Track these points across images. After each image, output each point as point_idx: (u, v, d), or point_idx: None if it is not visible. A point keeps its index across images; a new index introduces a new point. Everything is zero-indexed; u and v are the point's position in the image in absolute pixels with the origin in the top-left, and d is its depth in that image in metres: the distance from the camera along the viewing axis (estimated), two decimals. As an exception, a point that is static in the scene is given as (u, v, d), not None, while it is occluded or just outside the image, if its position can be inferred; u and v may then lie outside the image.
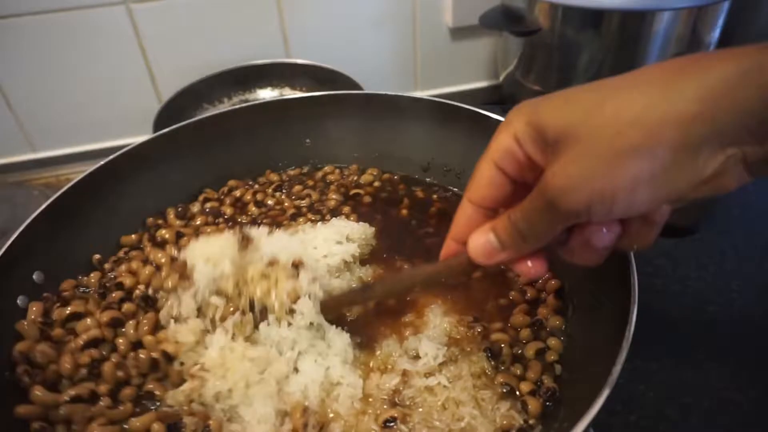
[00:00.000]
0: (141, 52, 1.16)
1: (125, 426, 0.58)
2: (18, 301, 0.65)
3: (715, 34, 1.00)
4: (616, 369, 0.47)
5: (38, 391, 0.57)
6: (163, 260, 0.72)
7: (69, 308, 0.66)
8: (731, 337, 0.76)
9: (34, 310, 0.65)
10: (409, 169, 0.90)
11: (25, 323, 0.64)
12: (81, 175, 0.74)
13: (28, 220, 0.67)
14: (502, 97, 1.28)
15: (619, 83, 0.39)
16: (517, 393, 0.59)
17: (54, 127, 1.21)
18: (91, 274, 0.73)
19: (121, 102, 1.20)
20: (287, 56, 1.24)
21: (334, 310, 0.64)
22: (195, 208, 0.84)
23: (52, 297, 0.68)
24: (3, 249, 0.63)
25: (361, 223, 0.79)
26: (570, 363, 0.62)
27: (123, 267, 0.73)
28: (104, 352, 0.63)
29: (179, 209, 0.83)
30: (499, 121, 0.78)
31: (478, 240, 0.47)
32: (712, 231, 0.89)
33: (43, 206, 0.69)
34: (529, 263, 0.47)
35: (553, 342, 0.63)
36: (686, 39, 0.97)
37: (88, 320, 0.65)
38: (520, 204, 0.43)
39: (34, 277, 0.68)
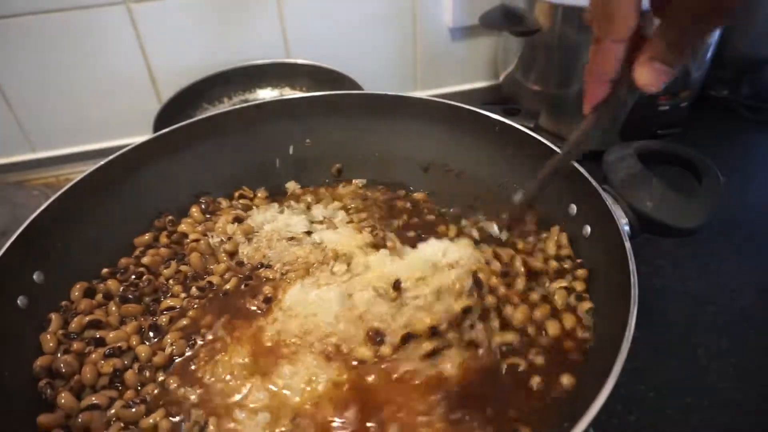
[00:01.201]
0: (141, 52, 1.16)
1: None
2: (18, 301, 0.65)
3: (715, 34, 1.00)
4: (616, 369, 0.47)
5: (64, 398, 0.59)
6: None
7: (88, 317, 0.67)
8: (731, 337, 0.76)
9: (54, 323, 0.66)
10: (409, 169, 0.90)
11: (48, 336, 0.65)
12: (81, 175, 0.74)
13: (28, 220, 0.67)
14: (502, 97, 1.27)
15: None
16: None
17: (54, 127, 1.21)
18: (109, 281, 0.72)
19: (121, 102, 1.20)
20: (287, 56, 1.24)
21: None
22: (224, 203, 0.85)
23: (71, 306, 0.69)
24: (3, 249, 0.63)
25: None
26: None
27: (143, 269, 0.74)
28: (126, 361, 0.64)
29: (202, 204, 0.84)
30: (499, 121, 0.80)
31: (646, 72, 0.49)
32: (712, 231, 0.89)
33: (43, 206, 0.69)
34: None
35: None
36: (686, 39, 0.97)
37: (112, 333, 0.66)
38: (668, 25, 0.47)
39: (34, 277, 0.67)
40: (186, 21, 1.15)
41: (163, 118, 1.11)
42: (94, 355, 0.63)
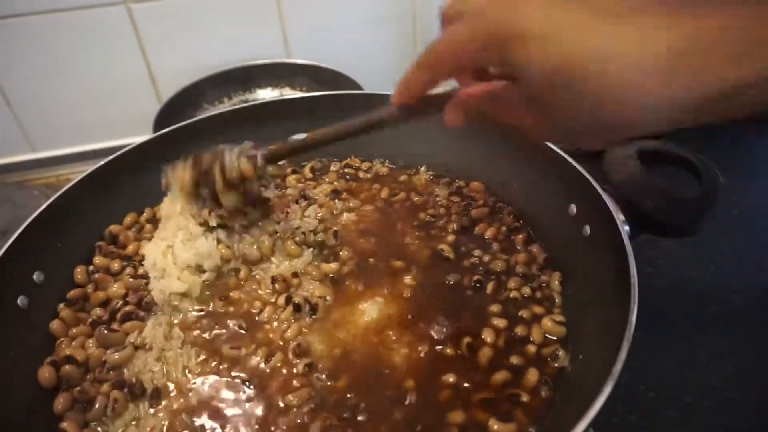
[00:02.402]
0: (141, 52, 1.16)
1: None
2: (18, 301, 0.65)
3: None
4: (616, 369, 0.47)
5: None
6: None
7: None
8: (731, 337, 0.76)
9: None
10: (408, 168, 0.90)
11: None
12: (81, 175, 0.74)
13: (28, 220, 0.67)
14: (502, 97, 1.27)
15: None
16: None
17: (54, 127, 1.21)
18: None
19: (121, 102, 1.21)
20: (287, 56, 1.24)
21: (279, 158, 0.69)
22: (333, 167, 0.91)
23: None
24: (3, 249, 0.63)
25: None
26: (570, 363, 0.62)
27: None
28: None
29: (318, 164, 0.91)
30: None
31: (453, 114, 0.52)
32: (712, 231, 0.88)
33: (43, 206, 0.69)
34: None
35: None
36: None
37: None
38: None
39: (34, 277, 0.67)
40: (186, 21, 1.15)
41: (163, 118, 1.11)
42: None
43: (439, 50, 0.46)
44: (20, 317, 0.64)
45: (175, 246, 0.69)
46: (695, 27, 0.35)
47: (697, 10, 0.35)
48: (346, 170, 0.90)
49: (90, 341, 0.65)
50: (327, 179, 0.88)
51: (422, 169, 0.90)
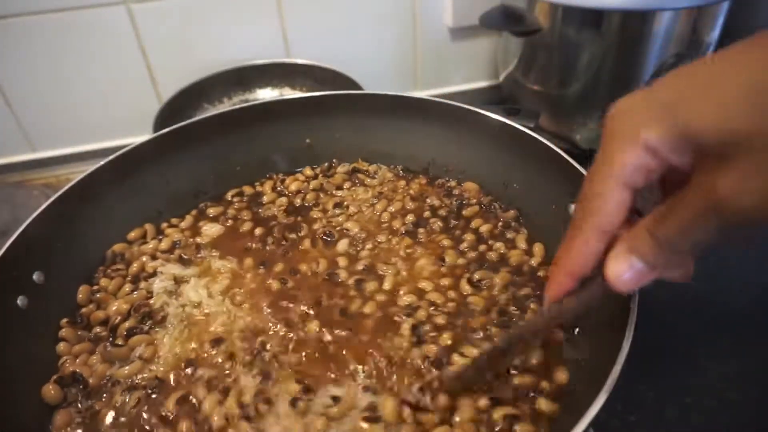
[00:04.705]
0: (141, 52, 1.16)
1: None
2: (18, 301, 0.65)
3: (715, 34, 1.00)
4: (616, 369, 0.47)
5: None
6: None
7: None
8: (731, 337, 0.76)
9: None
10: (409, 169, 0.90)
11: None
12: (81, 175, 0.74)
13: (28, 220, 0.67)
14: (502, 97, 1.28)
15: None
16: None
17: (54, 127, 1.21)
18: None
19: (121, 102, 1.20)
20: (287, 56, 1.24)
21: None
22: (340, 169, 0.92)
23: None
24: (3, 249, 0.63)
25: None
26: (570, 363, 0.62)
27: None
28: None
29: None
30: (499, 121, 0.80)
31: (620, 268, 0.42)
32: (712, 231, 0.88)
33: (43, 206, 0.69)
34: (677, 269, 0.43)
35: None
36: (686, 39, 0.97)
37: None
38: (663, 216, 0.39)
39: (34, 277, 0.67)
40: (186, 21, 1.15)
41: (163, 118, 1.11)
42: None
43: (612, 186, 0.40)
44: (20, 317, 0.64)
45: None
46: None
47: None
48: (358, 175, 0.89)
49: (94, 357, 0.64)
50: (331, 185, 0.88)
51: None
